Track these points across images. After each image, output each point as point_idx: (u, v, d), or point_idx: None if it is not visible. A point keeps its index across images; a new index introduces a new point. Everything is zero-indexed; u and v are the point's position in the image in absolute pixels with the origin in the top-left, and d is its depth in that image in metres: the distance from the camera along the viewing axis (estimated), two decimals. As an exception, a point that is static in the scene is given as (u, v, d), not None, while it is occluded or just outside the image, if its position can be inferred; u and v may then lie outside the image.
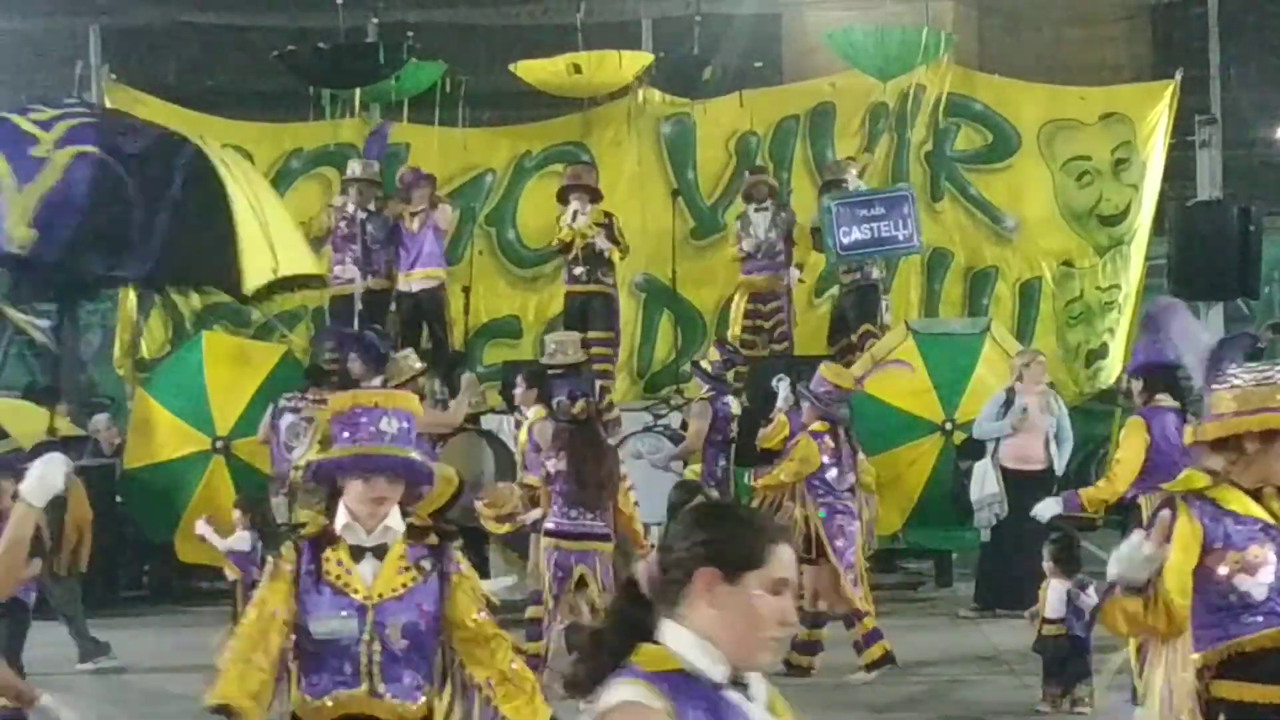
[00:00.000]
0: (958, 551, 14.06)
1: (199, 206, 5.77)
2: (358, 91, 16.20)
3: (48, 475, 5.24)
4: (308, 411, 12.68)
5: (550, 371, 12.87)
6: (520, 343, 16.18)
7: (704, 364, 13.10)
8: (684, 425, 13.28)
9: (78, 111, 6.19)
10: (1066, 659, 9.53)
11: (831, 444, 10.97)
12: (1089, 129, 16.30)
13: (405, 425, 5.02)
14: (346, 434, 5.00)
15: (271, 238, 5.88)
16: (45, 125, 5.99)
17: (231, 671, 4.85)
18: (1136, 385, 9.33)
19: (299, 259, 6.20)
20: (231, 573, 11.44)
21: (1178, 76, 16.27)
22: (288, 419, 13.07)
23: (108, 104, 16.27)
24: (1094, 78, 17.22)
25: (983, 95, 16.50)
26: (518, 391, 11.61)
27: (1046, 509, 9.79)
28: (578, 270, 14.57)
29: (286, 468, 12.41)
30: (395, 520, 5.01)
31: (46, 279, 6.03)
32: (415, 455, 5.05)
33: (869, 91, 16.17)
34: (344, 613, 4.88)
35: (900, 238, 14.63)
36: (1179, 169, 16.78)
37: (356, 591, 4.90)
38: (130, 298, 15.94)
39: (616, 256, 14.73)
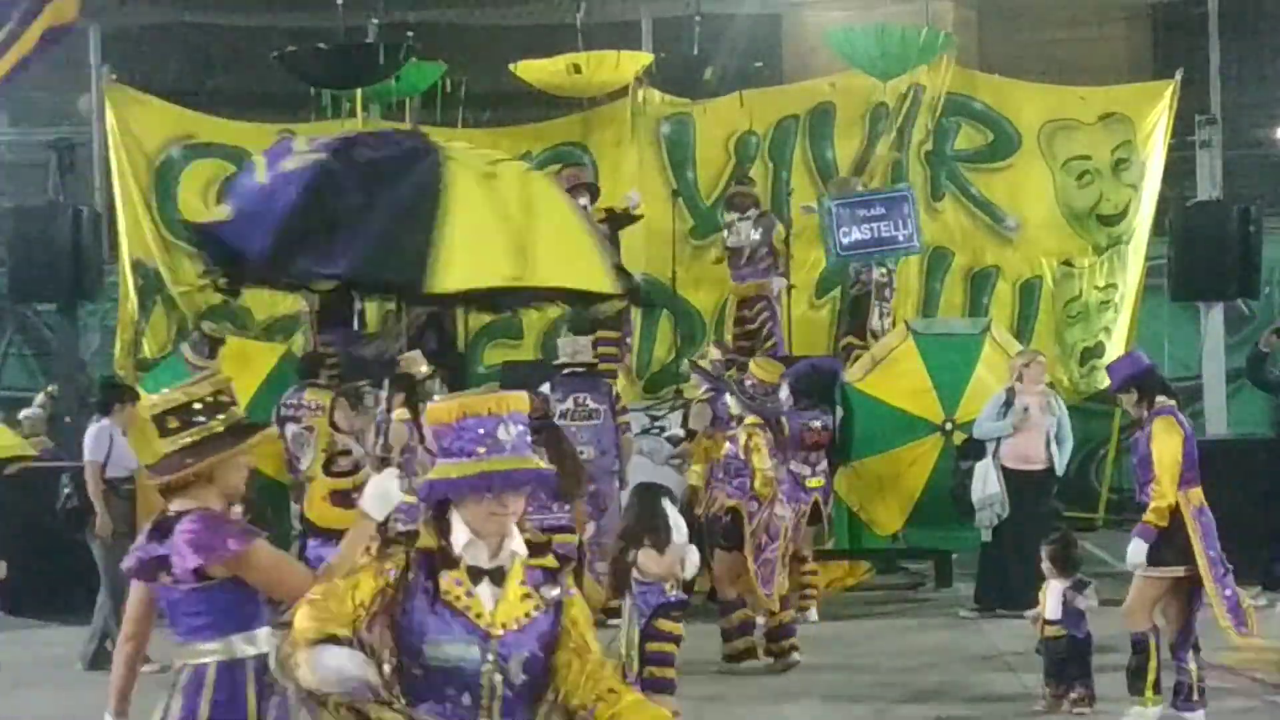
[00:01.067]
0: (958, 551, 14.05)
1: (411, 215, 5.78)
2: (358, 91, 16.19)
3: (387, 490, 5.28)
4: (308, 420, 12.67)
5: (565, 371, 12.97)
6: (521, 343, 16.19)
7: (703, 364, 13.10)
8: (684, 425, 13.27)
9: (354, 130, 6.27)
10: (1068, 659, 9.53)
11: (769, 434, 11.04)
12: (1089, 129, 16.31)
13: (522, 429, 4.55)
14: (459, 446, 4.49)
15: (531, 248, 5.83)
16: (310, 139, 6.10)
17: (312, 614, 4.45)
18: (1130, 398, 9.27)
19: (570, 273, 6.10)
20: None
21: (1178, 76, 16.27)
22: (290, 429, 13.05)
23: (108, 104, 16.30)
24: (1094, 78, 17.21)
25: (983, 95, 16.51)
26: (383, 394, 11.53)
27: (1136, 555, 9.42)
28: None
29: (299, 477, 12.40)
30: (518, 541, 4.56)
31: (247, 267, 6.06)
32: (541, 463, 4.60)
33: (869, 91, 16.17)
34: (466, 640, 4.44)
35: (900, 238, 14.64)
36: (1179, 169, 16.78)
37: (480, 617, 4.45)
38: (131, 298, 15.95)
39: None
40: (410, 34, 16.08)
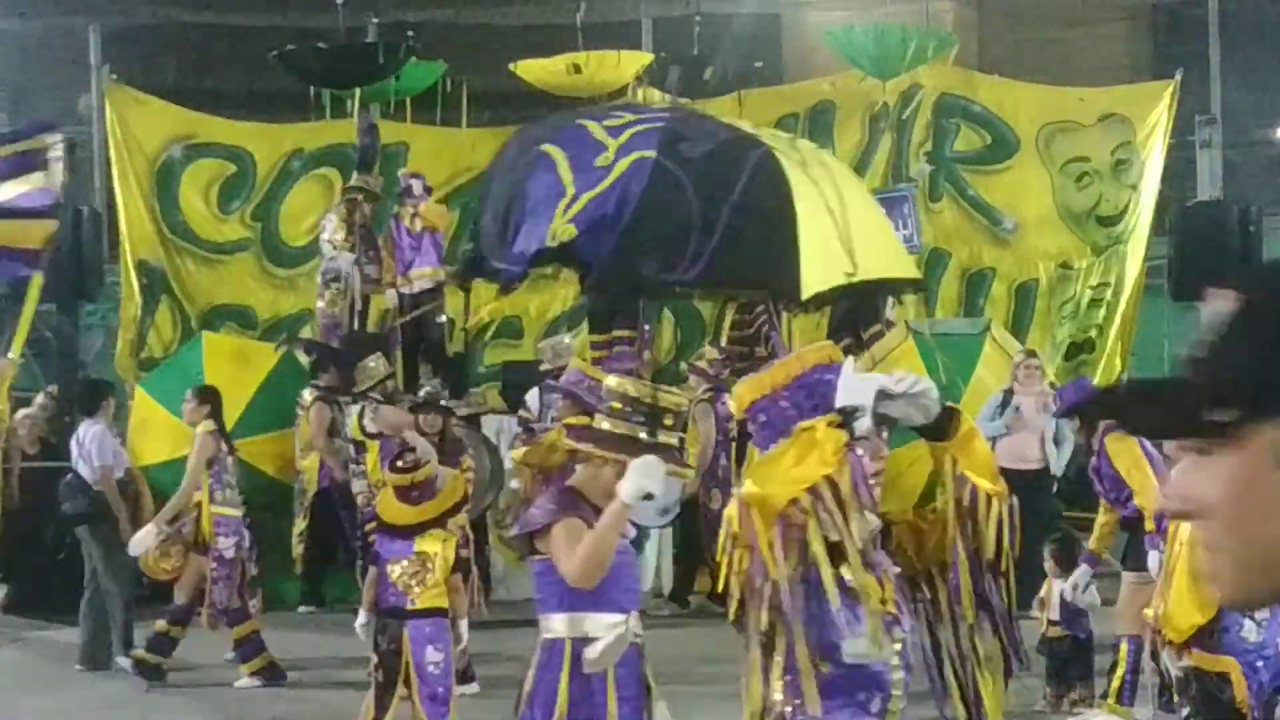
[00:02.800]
0: (958, 551, 14.02)
1: (761, 210, 5.70)
2: (358, 91, 16.19)
3: (645, 476, 5.24)
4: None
5: (550, 377, 12.93)
6: (521, 343, 16.18)
7: (702, 364, 13.10)
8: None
9: (650, 116, 6.17)
10: (1069, 660, 9.52)
11: None
12: (1088, 130, 16.32)
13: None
14: (818, 406, 4.32)
15: (852, 241, 5.76)
16: (615, 131, 6.01)
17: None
18: (1072, 425, 9.24)
19: (884, 263, 6.05)
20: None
21: (1178, 76, 16.28)
22: (337, 443, 13.13)
23: (108, 104, 16.31)
24: (1094, 78, 17.22)
25: (982, 96, 16.52)
26: (188, 406, 11.51)
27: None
28: None
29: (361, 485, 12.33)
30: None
31: (602, 278, 6.03)
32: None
33: (869, 91, 16.17)
34: (880, 634, 4.23)
35: (900, 238, 14.62)
36: (1179, 169, 16.78)
37: (884, 604, 4.25)
38: (134, 298, 15.95)
39: None
40: (410, 34, 16.09)
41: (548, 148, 6.17)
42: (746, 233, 5.75)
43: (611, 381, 5.62)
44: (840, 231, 5.77)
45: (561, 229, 6.04)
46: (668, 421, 5.46)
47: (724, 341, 14.81)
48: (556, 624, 5.39)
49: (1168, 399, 1.71)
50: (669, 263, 5.85)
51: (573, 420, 5.36)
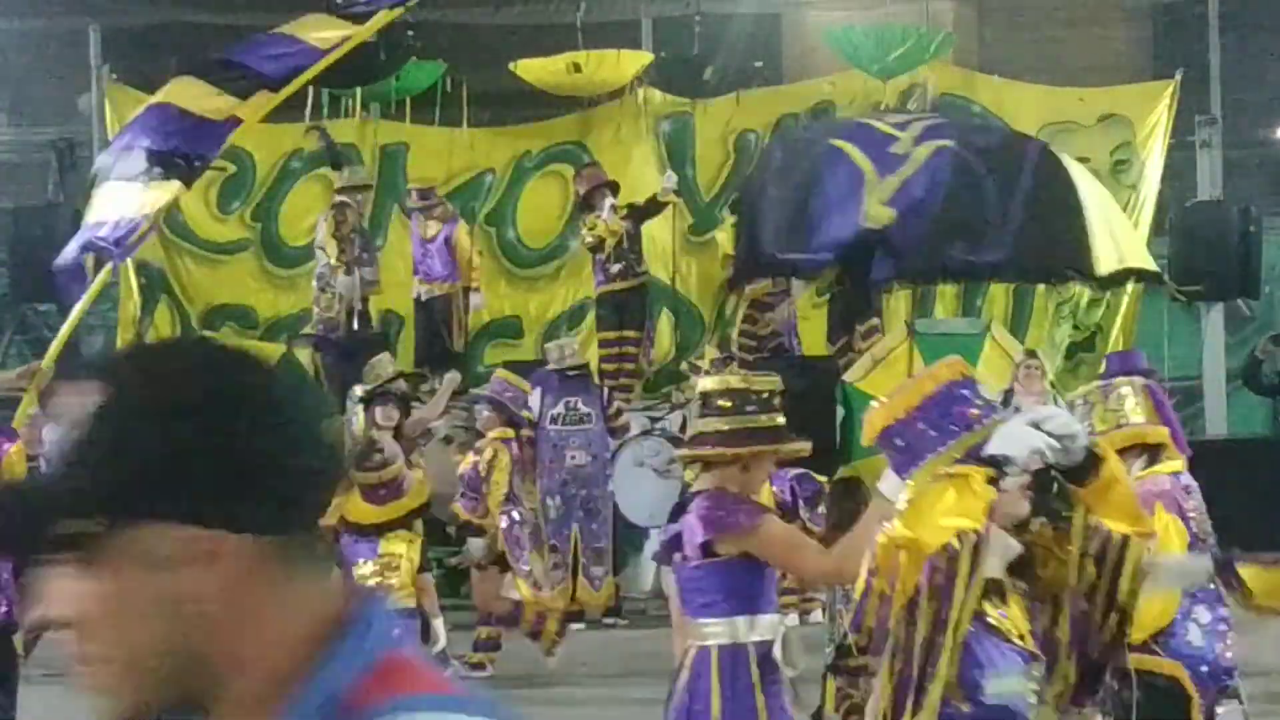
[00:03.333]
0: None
1: (1050, 199, 5.87)
2: (358, 91, 16.20)
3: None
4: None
5: (555, 376, 12.93)
6: (521, 343, 16.19)
7: (703, 364, 13.10)
8: (683, 427, 13.26)
9: (927, 115, 6.37)
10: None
11: (516, 450, 10.98)
12: (1088, 130, 16.31)
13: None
14: (956, 425, 4.26)
15: (1114, 232, 5.96)
16: (901, 125, 6.15)
17: None
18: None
19: (1140, 254, 6.26)
20: None
21: (1178, 76, 16.27)
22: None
23: (108, 104, 16.30)
24: (1094, 78, 17.21)
25: (981, 97, 16.51)
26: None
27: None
28: (615, 268, 14.51)
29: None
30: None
31: (904, 263, 6.11)
32: None
33: (869, 91, 16.17)
34: (1022, 670, 4.10)
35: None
36: (1179, 169, 16.77)
37: (1023, 639, 4.13)
38: (134, 298, 15.95)
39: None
40: (410, 34, 16.08)
41: (836, 142, 6.30)
42: (1042, 218, 5.97)
43: (709, 383, 5.62)
44: (1108, 224, 6.01)
45: (878, 211, 6.15)
46: (776, 403, 5.48)
47: (736, 335, 14.80)
48: (718, 628, 5.32)
49: (14, 510, 1.57)
50: (974, 247, 6.01)
51: (703, 429, 5.29)
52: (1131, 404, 6.13)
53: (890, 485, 5.03)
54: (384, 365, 12.12)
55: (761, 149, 16.36)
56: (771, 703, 5.30)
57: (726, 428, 5.39)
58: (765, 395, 5.44)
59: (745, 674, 5.25)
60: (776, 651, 5.20)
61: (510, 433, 10.98)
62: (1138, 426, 6.07)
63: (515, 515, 11.05)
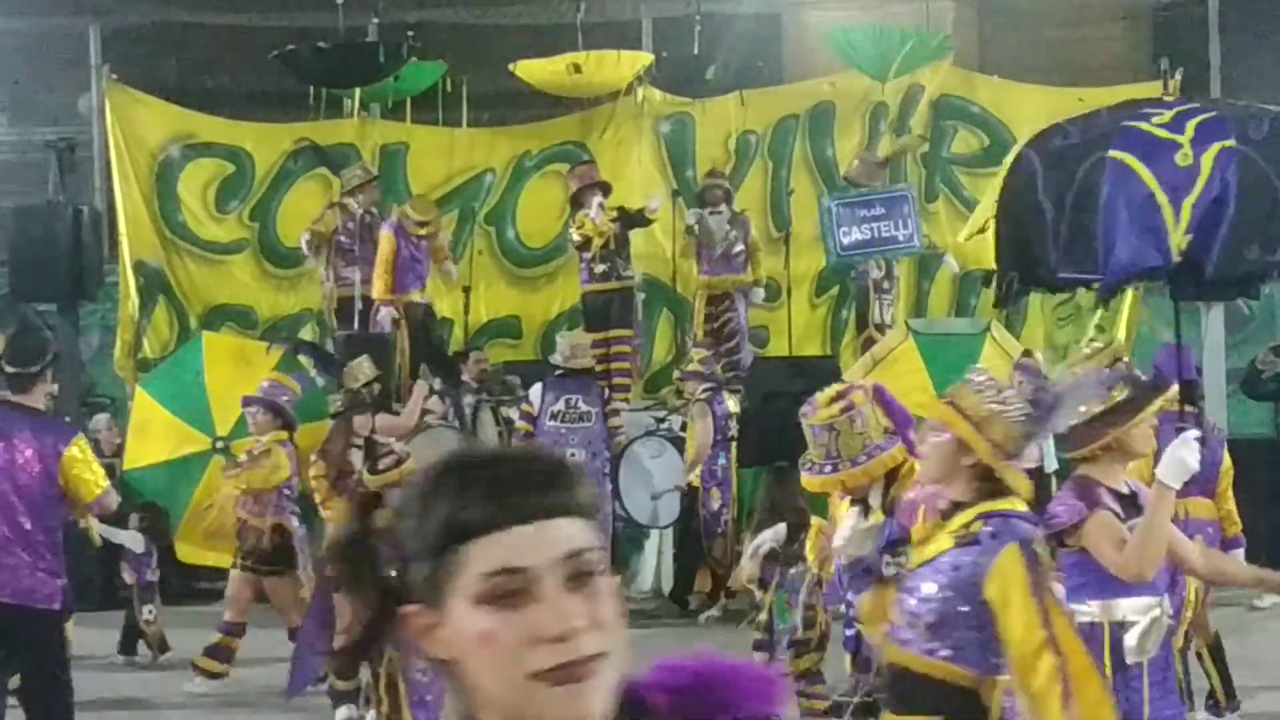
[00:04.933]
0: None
1: None
2: (358, 91, 16.20)
3: (1184, 458, 5.31)
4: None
5: (558, 373, 12.93)
6: (520, 343, 16.19)
7: (694, 366, 13.12)
8: (684, 428, 13.27)
9: (1193, 106, 6.27)
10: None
11: (290, 450, 10.94)
12: (1088, 130, 16.31)
13: None
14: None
15: None
16: (1174, 126, 6.07)
17: None
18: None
19: None
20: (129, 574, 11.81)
21: (1178, 76, 16.27)
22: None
23: (108, 104, 16.30)
24: (1094, 78, 17.21)
25: (981, 97, 16.53)
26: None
27: None
28: (600, 268, 14.52)
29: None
30: None
31: (1201, 280, 6.12)
32: None
33: (869, 91, 16.19)
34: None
35: (900, 238, 14.66)
36: (1179, 169, 16.76)
37: None
38: (132, 297, 15.95)
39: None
40: (410, 34, 16.08)
41: (1115, 155, 6.22)
42: None
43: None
44: None
45: (1182, 240, 6.14)
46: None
47: (700, 334, 14.86)
48: (1091, 609, 5.45)
49: None
50: (1269, 245, 6.00)
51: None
52: None
53: (1166, 468, 5.15)
54: (360, 368, 12.11)
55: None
56: (1154, 678, 5.47)
57: (1098, 411, 5.53)
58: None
59: (1097, 655, 5.33)
60: (1131, 636, 5.37)
61: (285, 434, 10.92)
62: None
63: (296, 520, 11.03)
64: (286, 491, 10.85)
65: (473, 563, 1.87)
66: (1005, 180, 6.83)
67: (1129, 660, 5.38)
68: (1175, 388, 5.86)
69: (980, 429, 4.70)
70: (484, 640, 1.85)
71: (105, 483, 8.43)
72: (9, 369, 8.27)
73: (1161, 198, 6.07)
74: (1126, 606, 5.39)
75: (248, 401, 11.28)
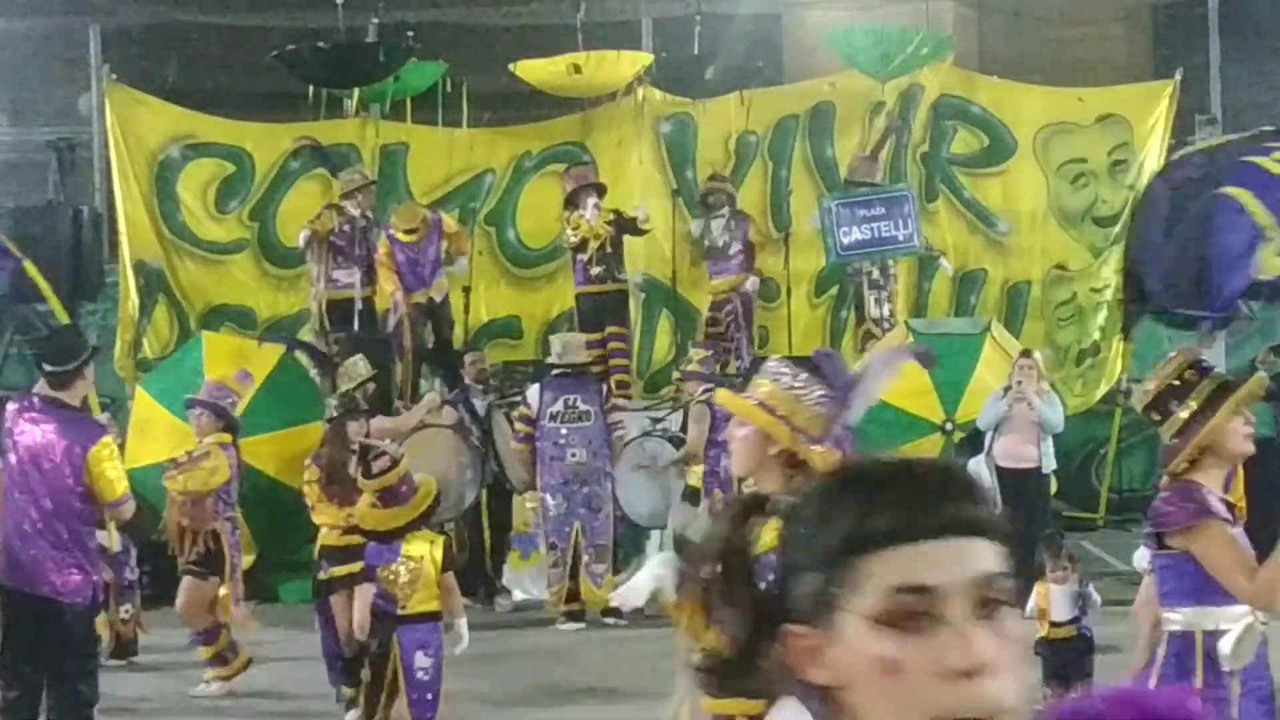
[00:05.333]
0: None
1: None
2: (357, 91, 16.20)
3: None
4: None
5: (555, 373, 12.92)
6: (520, 343, 16.20)
7: (694, 366, 13.12)
8: (683, 428, 13.28)
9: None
10: (1069, 661, 9.50)
11: (233, 455, 10.94)
12: (1086, 131, 16.33)
13: None
14: None
15: None
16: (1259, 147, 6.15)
17: None
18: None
19: None
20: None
21: (1177, 76, 16.28)
22: None
23: (108, 104, 16.30)
24: (1094, 78, 17.22)
25: (981, 97, 16.53)
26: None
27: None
28: (595, 270, 14.52)
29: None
30: None
31: None
32: None
33: (869, 91, 16.19)
34: None
35: (900, 237, 14.67)
36: (1179, 169, 16.77)
37: None
38: (132, 297, 15.95)
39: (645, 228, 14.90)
40: (410, 34, 16.08)
41: (1230, 190, 6.30)
42: None
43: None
44: None
45: (1273, 262, 6.22)
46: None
47: (701, 336, 14.90)
48: (1183, 616, 5.35)
49: None
50: None
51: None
52: None
53: None
54: (355, 368, 12.10)
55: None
56: (1249, 685, 5.38)
57: (1183, 418, 5.47)
58: (1178, 380, 5.56)
59: (1189, 663, 5.35)
60: (1225, 644, 5.29)
61: (228, 438, 10.88)
62: None
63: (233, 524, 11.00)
64: (224, 495, 10.77)
65: (876, 576, 1.71)
66: (1134, 209, 6.96)
67: (1224, 668, 5.29)
68: (1258, 379, 5.80)
69: (780, 417, 4.64)
70: (887, 668, 1.69)
71: (125, 487, 8.46)
72: (48, 367, 8.39)
73: (1271, 229, 6.15)
74: (1219, 614, 5.30)
75: (190, 403, 11.17)
